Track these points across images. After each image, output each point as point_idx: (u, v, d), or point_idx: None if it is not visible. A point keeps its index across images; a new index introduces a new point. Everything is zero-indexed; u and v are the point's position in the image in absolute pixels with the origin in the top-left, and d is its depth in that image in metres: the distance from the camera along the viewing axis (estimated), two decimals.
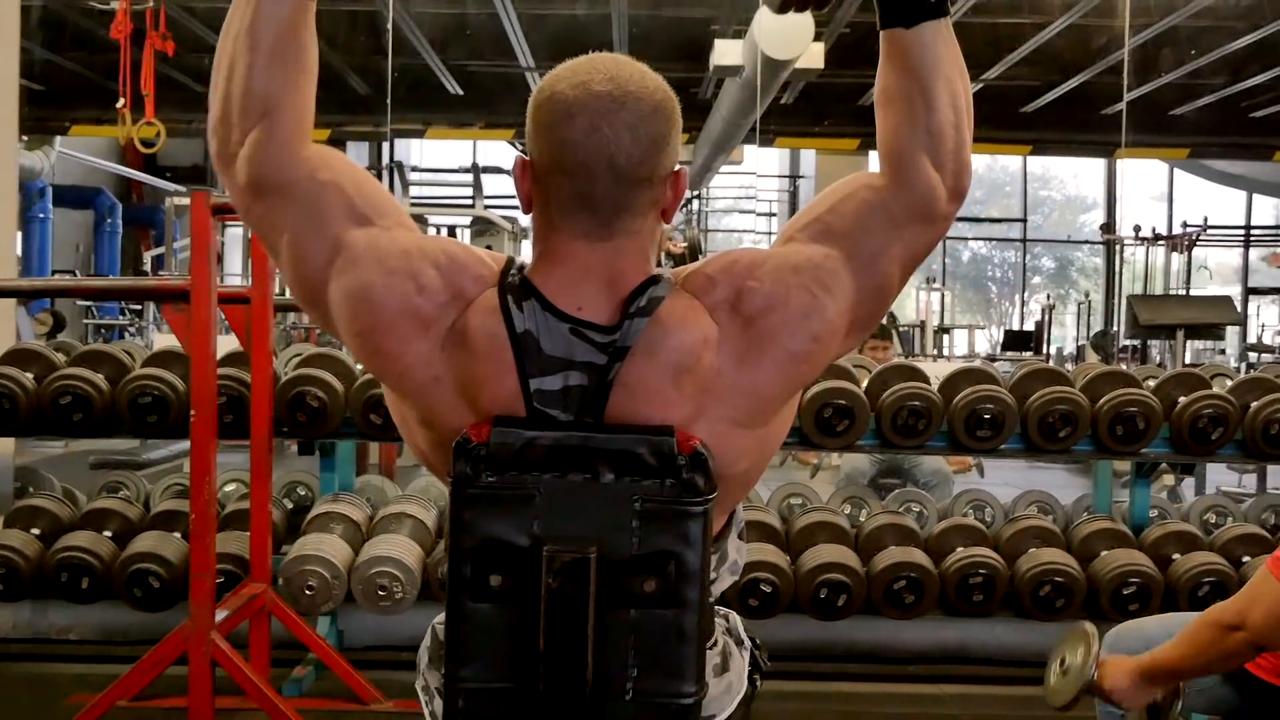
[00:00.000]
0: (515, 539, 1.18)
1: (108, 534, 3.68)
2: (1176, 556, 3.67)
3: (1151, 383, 3.93)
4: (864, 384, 3.65)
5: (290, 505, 4.12)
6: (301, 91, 1.26)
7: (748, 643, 1.45)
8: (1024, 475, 7.36)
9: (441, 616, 1.24)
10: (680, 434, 1.19)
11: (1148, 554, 3.66)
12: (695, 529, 1.19)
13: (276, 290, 3.43)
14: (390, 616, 3.55)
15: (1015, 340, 15.19)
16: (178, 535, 3.63)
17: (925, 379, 3.68)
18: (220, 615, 2.99)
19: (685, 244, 5.45)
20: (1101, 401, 3.55)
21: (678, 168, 1.27)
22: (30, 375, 3.55)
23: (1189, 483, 6.28)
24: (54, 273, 13.60)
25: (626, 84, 1.22)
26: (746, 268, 1.26)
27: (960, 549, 3.67)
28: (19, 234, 14.38)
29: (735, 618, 1.46)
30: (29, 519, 3.73)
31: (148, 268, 14.63)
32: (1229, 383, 3.88)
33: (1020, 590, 3.60)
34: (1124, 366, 10.93)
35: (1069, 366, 14.92)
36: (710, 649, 1.34)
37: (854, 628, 3.70)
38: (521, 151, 1.30)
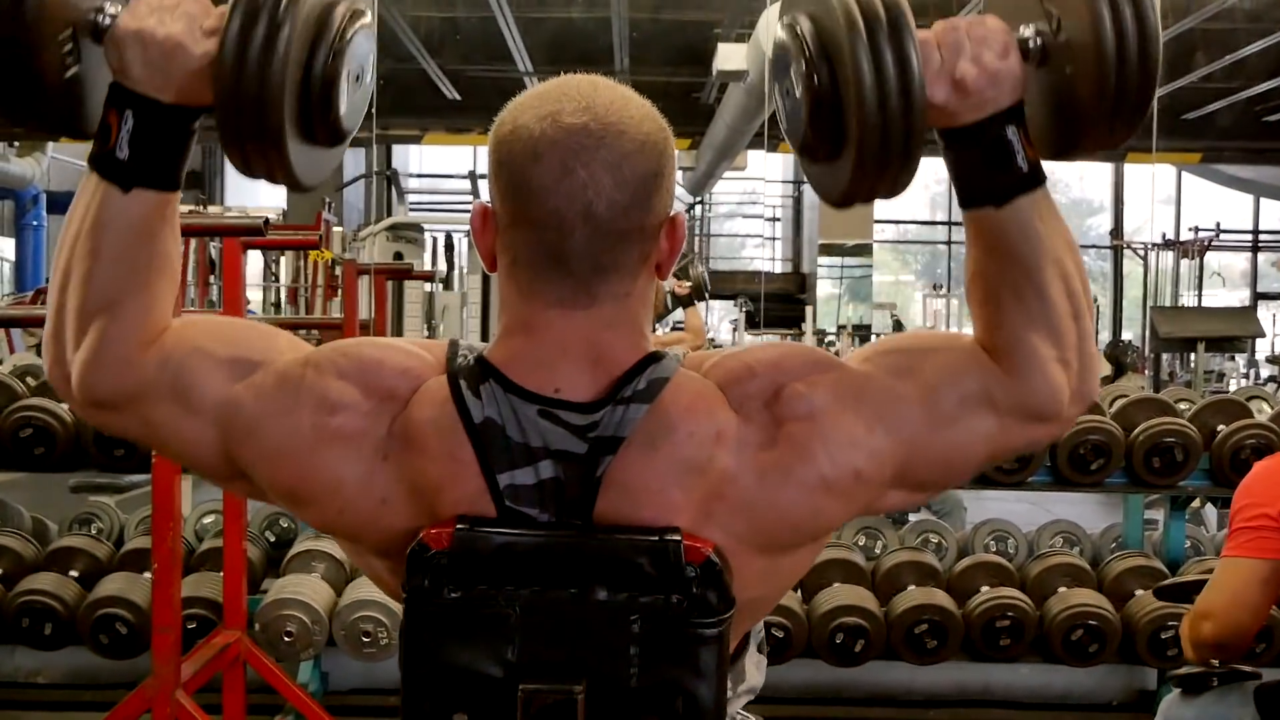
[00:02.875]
0: (486, 669, 0.96)
1: (74, 574, 3.48)
2: None
3: (1183, 405, 3.71)
4: None
5: (271, 539, 3.89)
6: (149, 297, 1.02)
7: None
8: (1047, 494, 7.11)
9: None
10: (688, 538, 0.96)
11: None
12: (708, 656, 0.96)
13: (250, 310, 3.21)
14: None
15: None
16: (148, 576, 3.39)
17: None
18: (189, 670, 2.77)
19: (690, 284, 5.21)
20: (1136, 431, 3.33)
21: (674, 212, 1.02)
22: None
23: (1210, 510, 6.03)
24: (48, 280, 13.36)
25: (606, 114, 0.97)
26: (800, 368, 1.01)
27: (985, 588, 3.45)
28: (12, 242, 14.29)
29: None
30: None
31: None
32: (1267, 408, 3.66)
33: (1050, 634, 3.38)
34: (1146, 374, 10.72)
35: None
36: None
37: (869, 670, 3.51)
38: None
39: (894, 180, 0.96)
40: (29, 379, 3.61)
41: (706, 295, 5.62)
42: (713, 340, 13.57)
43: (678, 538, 0.95)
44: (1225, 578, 2.00)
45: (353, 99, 1.01)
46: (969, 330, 1.09)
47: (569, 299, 0.99)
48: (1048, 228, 1.01)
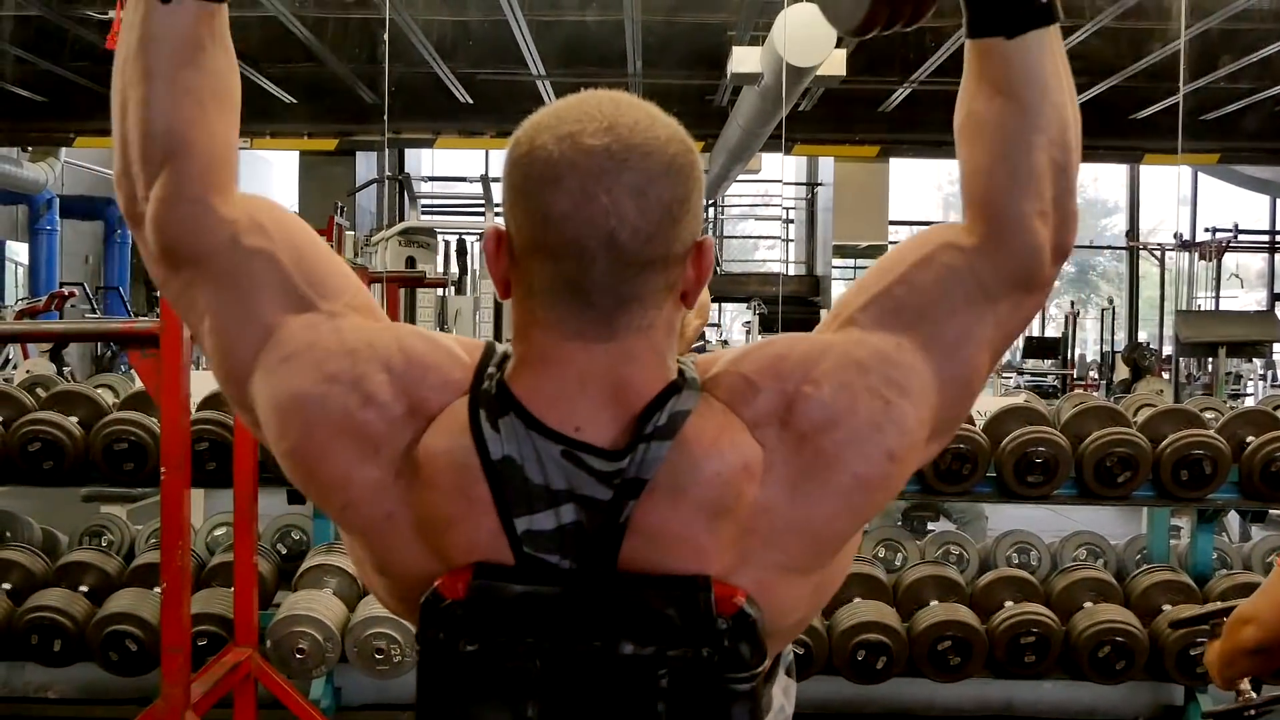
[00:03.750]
0: None
1: (84, 589, 3.43)
2: None
3: (1210, 415, 3.63)
4: None
5: (284, 551, 3.84)
6: (214, 127, 0.97)
7: None
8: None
9: None
10: (719, 587, 0.90)
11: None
12: (741, 713, 0.90)
13: None
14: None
15: (1037, 348, 14.85)
16: (158, 591, 3.35)
17: (969, 418, 3.38)
18: (199, 689, 2.73)
19: None
20: (1164, 444, 3.26)
21: (700, 237, 0.95)
22: None
23: (1233, 516, 5.94)
24: (62, 284, 13.41)
25: (630, 134, 0.90)
26: (798, 366, 0.94)
27: (1009, 604, 3.38)
28: (26, 246, 14.30)
29: None
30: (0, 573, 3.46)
31: None
32: None
33: (1077, 650, 3.31)
34: (1165, 376, 10.61)
35: (1093, 375, 14.61)
36: None
37: (890, 686, 3.44)
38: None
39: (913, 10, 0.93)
40: (39, 390, 3.56)
41: (719, 267, 5.54)
42: (725, 343, 13.50)
43: (708, 587, 0.89)
44: (1276, 585, 1.95)
45: None
46: None
47: (589, 332, 0.92)
48: (1054, 68, 0.96)
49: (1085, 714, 3.61)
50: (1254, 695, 2.01)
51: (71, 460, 3.22)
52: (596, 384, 0.92)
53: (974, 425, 3.36)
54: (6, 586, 3.43)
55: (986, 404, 3.69)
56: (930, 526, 5.02)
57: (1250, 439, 3.33)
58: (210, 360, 1.00)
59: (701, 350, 6.69)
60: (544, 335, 0.93)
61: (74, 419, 3.29)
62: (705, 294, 5.73)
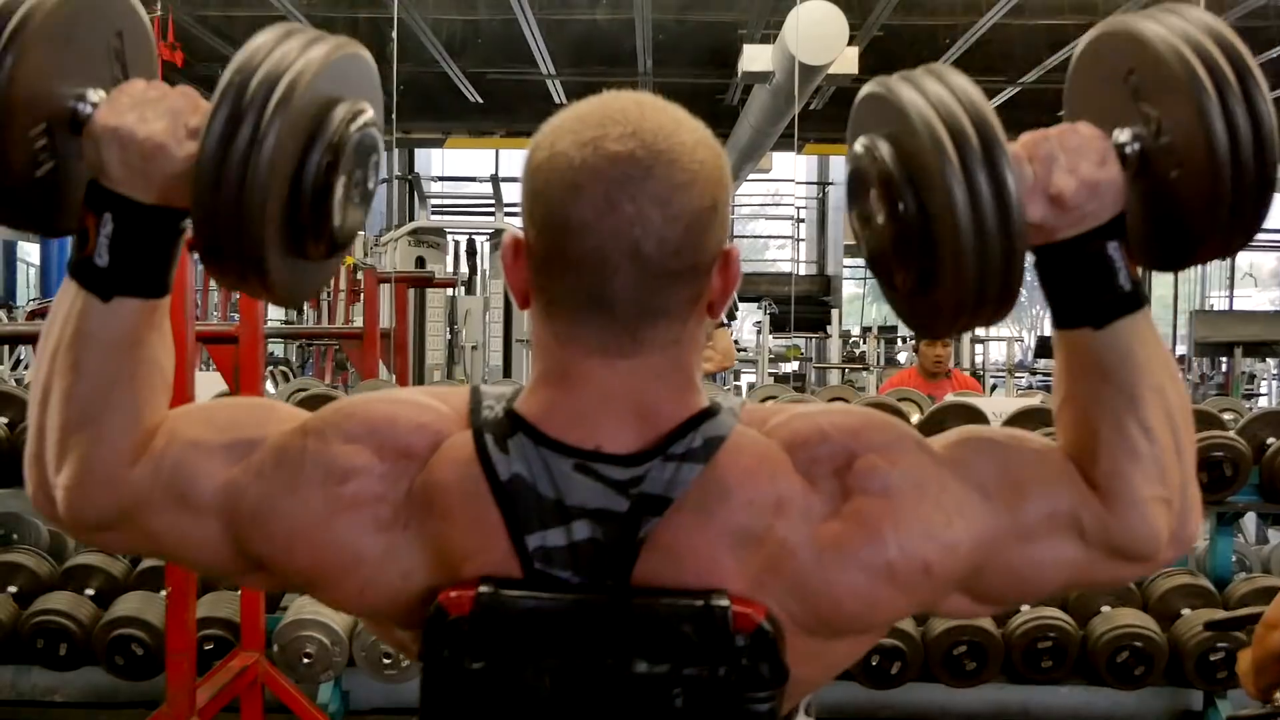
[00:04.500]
0: None
1: (89, 593, 3.41)
2: None
3: (1229, 416, 3.59)
4: (914, 420, 3.33)
5: None
6: (135, 408, 0.93)
7: None
8: None
9: None
10: (737, 602, 0.86)
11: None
12: None
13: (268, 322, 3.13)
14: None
15: (1049, 348, 14.77)
16: (164, 594, 3.33)
17: (984, 418, 3.34)
18: (205, 695, 2.71)
19: None
20: None
21: (727, 246, 0.91)
22: (4, 420, 3.26)
23: (1250, 516, 5.88)
24: None
25: (655, 140, 0.85)
26: (881, 441, 0.91)
27: (1025, 608, 3.33)
28: (37, 247, 14.34)
29: None
30: (5, 576, 3.47)
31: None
32: None
33: (1095, 655, 3.27)
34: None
35: None
36: None
37: (904, 690, 3.40)
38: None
39: (994, 311, 0.88)
40: None
41: (736, 315, 5.52)
42: (736, 342, 13.45)
43: (725, 602, 0.85)
44: None
45: (351, 208, 0.90)
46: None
47: (612, 347, 0.88)
48: (1148, 353, 0.92)
49: (1103, 718, 3.56)
50: None
51: None
52: (619, 402, 0.89)
53: (990, 425, 3.32)
54: (12, 590, 3.41)
55: (1001, 405, 3.65)
56: None
57: (1271, 440, 3.28)
58: (199, 569, 1.00)
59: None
60: (564, 351, 0.89)
61: None
62: (728, 340, 5.70)
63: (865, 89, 0.92)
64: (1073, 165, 0.88)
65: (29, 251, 14.68)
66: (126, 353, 0.91)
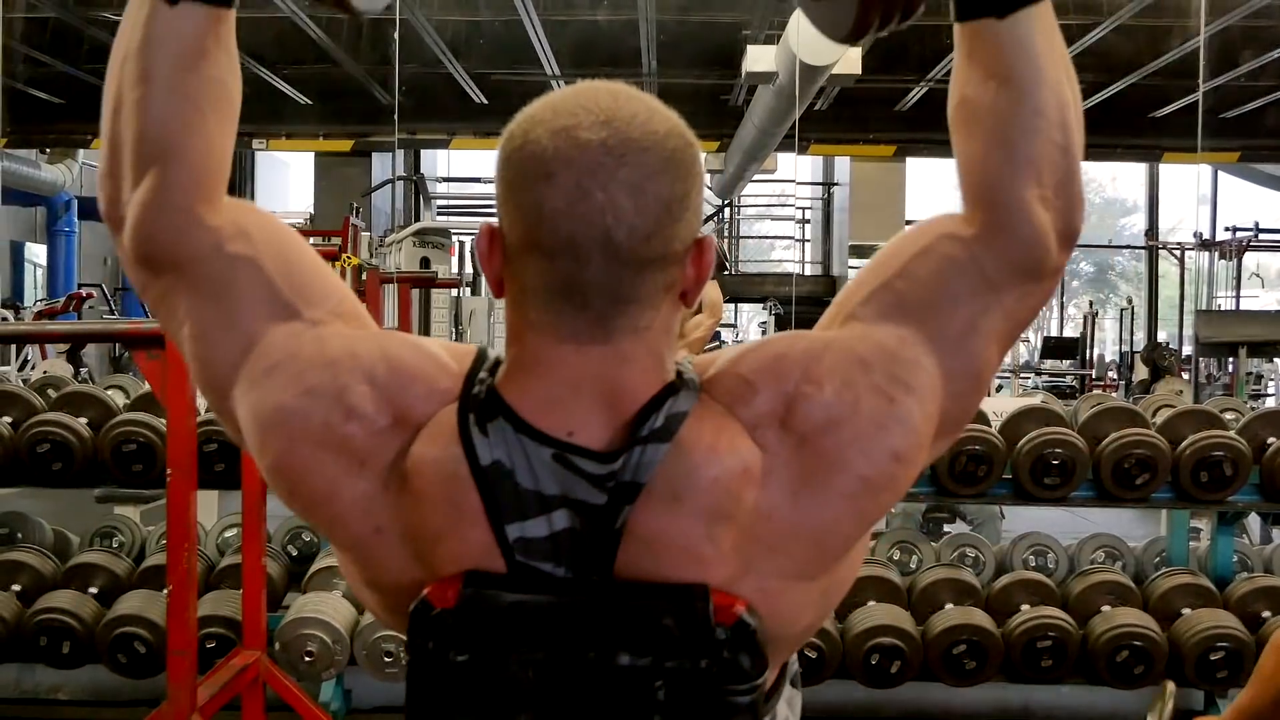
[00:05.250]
0: None
1: (93, 591, 3.43)
2: (1267, 615, 3.31)
3: (1230, 416, 3.58)
4: None
5: (294, 553, 3.82)
6: (209, 136, 0.94)
7: None
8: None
9: None
10: (718, 595, 0.87)
11: (1234, 613, 3.30)
12: None
13: None
14: (399, 683, 3.26)
15: (1056, 348, 14.76)
16: (166, 593, 3.34)
17: (985, 419, 3.34)
18: (206, 692, 2.71)
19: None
20: (1183, 445, 3.21)
21: (701, 235, 0.92)
22: (8, 420, 3.28)
23: (1253, 517, 5.87)
24: (80, 286, 13.49)
25: (627, 128, 0.86)
26: (797, 365, 0.91)
27: (1026, 607, 3.34)
28: (44, 248, 14.38)
29: None
30: (9, 575, 3.48)
31: None
32: None
33: (1094, 655, 3.27)
34: (1185, 376, 10.52)
35: (1112, 375, 14.51)
36: None
37: (905, 690, 3.40)
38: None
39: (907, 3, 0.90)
40: (50, 391, 3.56)
41: (728, 267, 5.49)
42: (743, 343, 13.49)
43: (706, 596, 0.86)
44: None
45: None
46: None
47: (584, 333, 0.89)
48: (1048, 46, 0.93)
49: (1104, 718, 3.56)
50: None
51: (80, 461, 3.21)
52: (590, 388, 0.89)
53: (990, 427, 3.31)
54: (16, 588, 3.43)
55: (1003, 405, 3.65)
56: (946, 529, 4.97)
57: (1271, 440, 3.28)
58: (190, 368, 0.97)
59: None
60: (537, 337, 0.90)
61: (83, 420, 3.28)
62: (717, 292, 5.71)
63: None
64: None
65: (36, 252, 14.70)
66: (193, 66, 0.92)
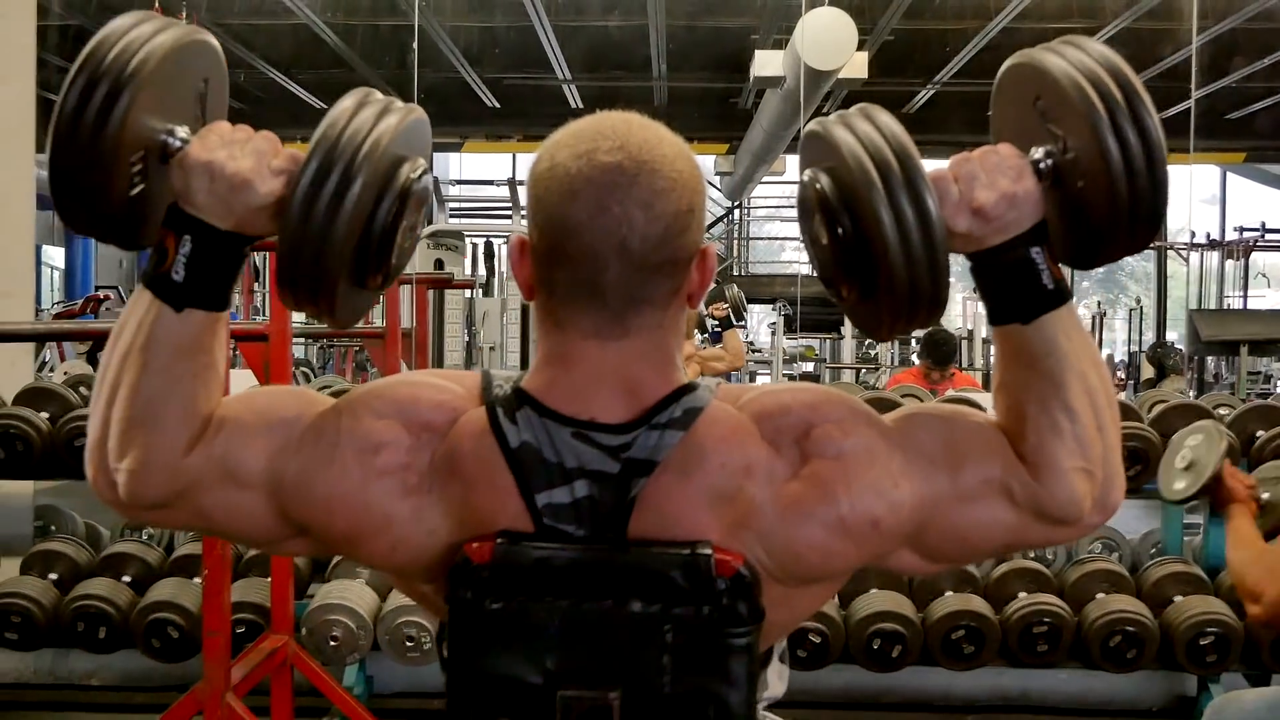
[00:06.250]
0: (525, 676, 1.00)
1: (126, 579, 3.55)
2: None
3: (1223, 412, 3.69)
4: None
5: None
6: (192, 402, 1.04)
7: None
8: None
9: None
10: (719, 551, 1.00)
11: (1225, 600, 3.41)
12: (738, 665, 1.00)
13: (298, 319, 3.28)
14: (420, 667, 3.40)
15: None
16: (197, 581, 3.48)
17: (982, 411, 3.45)
18: (238, 673, 2.84)
19: (727, 306, 5.27)
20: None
21: (704, 244, 1.06)
22: (45, 415, 3.43)
23: None
24: (97, 288, 13.64)
25: (639, 152, 1.00)
26: (836, 414, 1.04)
27: (1023, 594, 3.45)
28: (61, 251, 14.55)
29: None
30: (46, 564, 3.61)
31: None
32: None
33: (1088, 640, 3.37)
34: (1187, 375, 10.60)
35: (1120, 375, 14.58)
36: None
37: (907, 675, 3.50)
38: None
39: (926, 315, 1.00)
40: (82, 389, 3.70)
41: (745, 317, 5.64)
42: (751, 344, 13.54)
43: (709, 551, 0.99)
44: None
45: (405, 248, 1.04)
46: None
47: (604, 331, 1.02)
48: (1073, 343, 1.03)
49: (1100, 705, 3.65)
50: None
51: None
52: (610, 379, 1.03)
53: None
54: (53, 577, 3.56)
55: None
56: None
57: (1260, 433, 3.39)
58: (244, 541, 1.12)
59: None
60: (563, 335, 1.04)
61: None
62: (740, 343, 5.83)
63: (808, 129, 1.07)
64: (992, 181, 1.00)
65: (53, 255, 14.88)
66: (190, 356, 1.03)
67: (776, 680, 1.18)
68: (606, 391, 1.03)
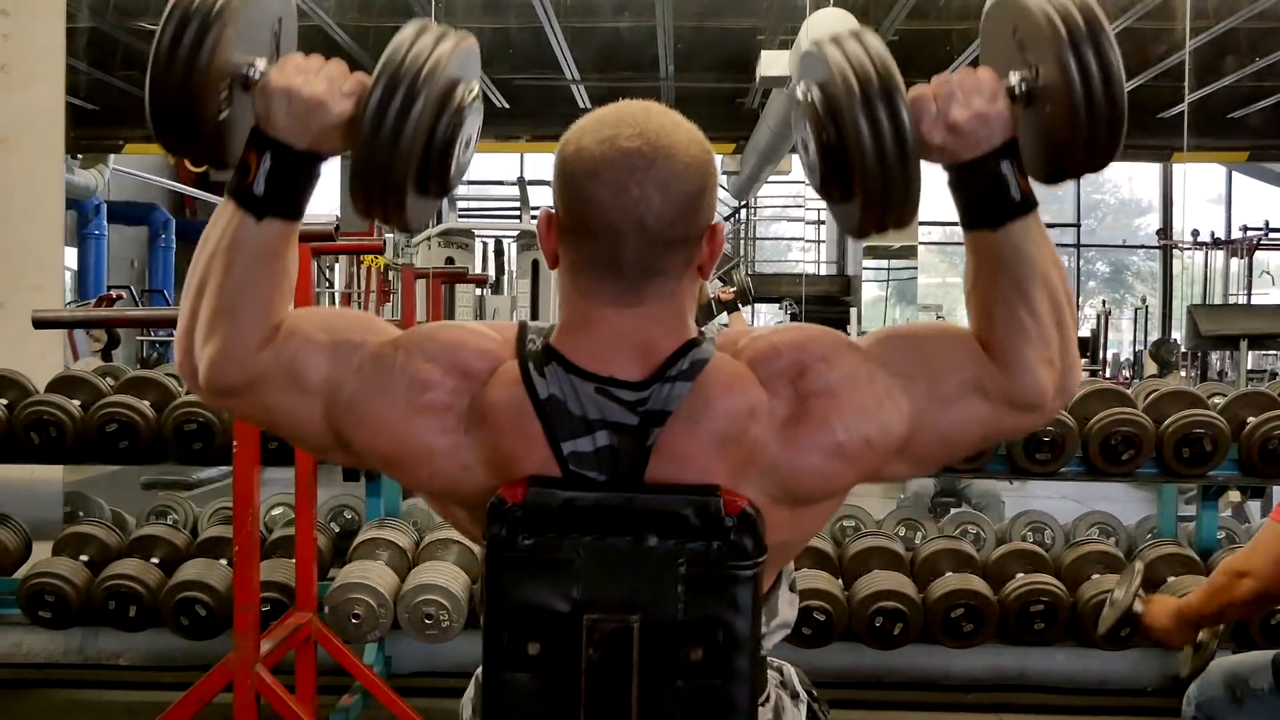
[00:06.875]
0: (554, 605, 1.12)
1: (155, 561, 3.67)
2: None
3: (1217, 400, 3.80)
4: None
5: (337, 529, 4.09)
6: (267, 303, 1.18)
7: (804, 695, 1.38)
8: (1085, 489, 7.19)
9: None
10: (726, 494, 1.12)
11: None
12: (744, 594, 1.12)
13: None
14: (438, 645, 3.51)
15: None
16: (223, 562, 3.61)
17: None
18: (265, 646, 2.95)
19: (735, 290, 5.40)
20: (1166, 423, 3.43)
21: (715, 221, 1.19)
22: (77, 402, 3.55)
23: (1254, 503, 6.09)
24: (109, 288, 13.79)
25: (657, 138, 1.13)
26: (821, 347, 1.17)
27: (1020, 575, 3.56)
28: (74, 251, 14.68)
29: (790, 670, 1.39)
30: (77, 546, 3.73)
31: None
32: None
33: (1083, 618, 3.48)
34: (1183, 374, 10.69)
35: (1125, 373, 14.66)
36: (762, 705, 1.27)
37: (908, 655, 3.60)
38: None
39: (899, 216, 1.12)
40: (109, 379, 3.83)
41: (751, 300, 5.77)
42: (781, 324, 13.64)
43: (718, 494, 1.12)
44: (1273, 544, 2.13)
45: (461, 160, 1.17)
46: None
47: (621, 298, 1.15)
48: (1037, 248, 1.16)
49: (1097, 684, 3.73)
50: (1214, 643, 2.21)
51: (145, 440, 3.48)
52: (627, 342, 1.16)
53: None
54: (84, 558, 3.68)
55: None
56: (952, 512, 5.20)
57: (1251, 419, 3.50)
58: (295, 442, 1.26)
59: None
60: (585, 302, 1.17)
61: (146, 402, 3.55)
62: (742, 321, 5.95)
63: (805, 48, 1.19)
64: (967, 100, 1.11)
65: (67, 256, 14.99)
66: (267, 261, 1.17)
67: (787, 606, 1.30)
68: (624, 352, 1.15)
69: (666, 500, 1.12)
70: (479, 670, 1.24)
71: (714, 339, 1.19)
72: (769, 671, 1.32)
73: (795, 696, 1.36)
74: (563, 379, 1.15)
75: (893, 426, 1.17)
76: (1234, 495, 6.20)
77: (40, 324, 2.76)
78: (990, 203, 1.14)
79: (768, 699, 1.29)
